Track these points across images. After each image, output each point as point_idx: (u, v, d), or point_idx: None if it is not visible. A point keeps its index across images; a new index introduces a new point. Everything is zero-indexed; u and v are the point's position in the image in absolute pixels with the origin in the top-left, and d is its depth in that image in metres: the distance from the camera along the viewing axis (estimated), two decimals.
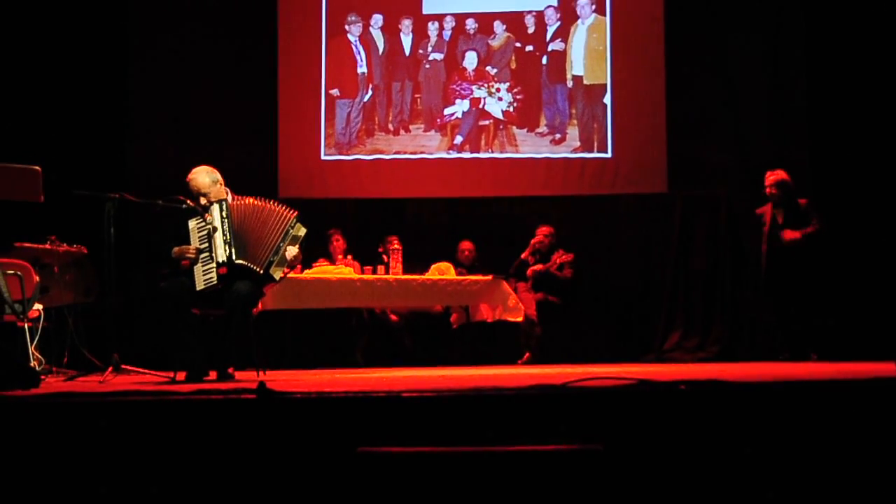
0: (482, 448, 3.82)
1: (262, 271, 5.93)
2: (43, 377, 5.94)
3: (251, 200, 6.06)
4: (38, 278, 6.93)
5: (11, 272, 6.63)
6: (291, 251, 5.98)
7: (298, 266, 8.23)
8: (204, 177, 6.06)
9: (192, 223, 5.95)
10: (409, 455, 3.81)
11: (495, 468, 3.79)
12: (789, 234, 7.97)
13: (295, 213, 6.07)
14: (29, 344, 6.71)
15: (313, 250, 8.77)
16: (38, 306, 6.99)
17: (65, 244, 7.05)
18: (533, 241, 9.02)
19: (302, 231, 6.04)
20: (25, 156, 6.27)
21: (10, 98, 8.86)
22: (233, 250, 5.87)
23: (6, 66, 8.91)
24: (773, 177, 8.12)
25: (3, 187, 6.00)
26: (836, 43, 9.16)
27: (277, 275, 6.02)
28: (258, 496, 3.87)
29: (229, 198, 6.04)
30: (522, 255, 9.05)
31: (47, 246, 6.97)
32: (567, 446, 3.82)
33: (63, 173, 6.84)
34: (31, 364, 6.27)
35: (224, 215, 5.91)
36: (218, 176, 6.10)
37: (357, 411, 4.01)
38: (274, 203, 6.10)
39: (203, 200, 6.01)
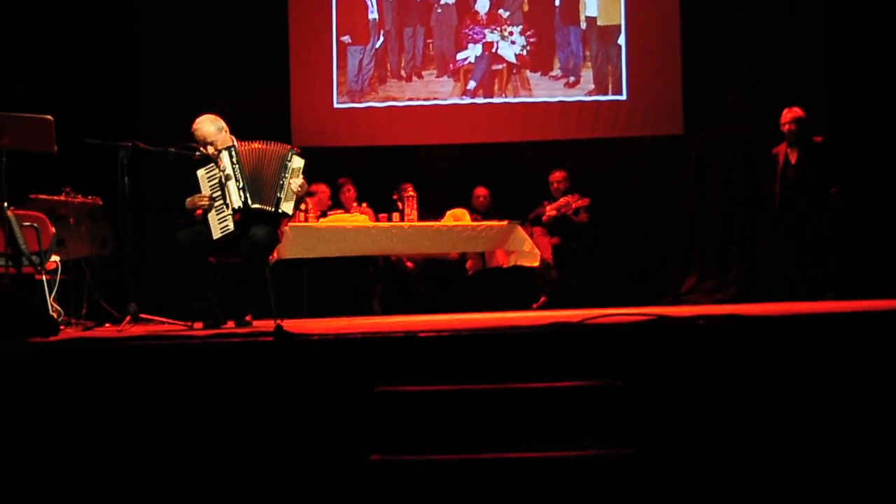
0: (499, 385, 3.83)
1: (273, 209, 5.93)
2: (62, 327, 5.97)
3: (256, 145, 6.05)
4: (53, 230, 6.93)
5: (28, 224, 6.63)
6: (295, 182, 5.99)
7: (314, 212, 8.27)
8: (209, 125, 6.04)
9: (201, 172, 5.93)
10: (426, 393, 3.83)
11: (513, 405, 3.80)
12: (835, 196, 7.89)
13: (289, 147, 6.07)
14: (47, 296, 6.71)
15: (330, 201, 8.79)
16: (55, 258, 7.00)
17: (80, 195, 7.04)
18: (560, 202, 8.90)
19: (298, 162, 6.03)
20: (38, 106, 6.25)
21: (21, 48, 8.82)
22: (248, 195, 5.86)
23: (18, 16, 8.87)
24: (790, 114, 8.03)
25: (17, 138, 5.98)
26: None
27: (289, 208, 6.02)
28: (276, 437, 3.89)
29: (235, 144, 6.02)
30: (547, 209, 8.94)
31: (62, 198, 6.96)
32: (585, 382, 3.82)
33: (76, 123, 6.79)
34: (52, 315, 6.26)
35: (234, 161, 5.89)
36: (223, 123, 6.08)
37: (374, 351, 4.01)
38: (271, 143, 6.08)
39: (210, 149, 5.99)
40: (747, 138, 9.17)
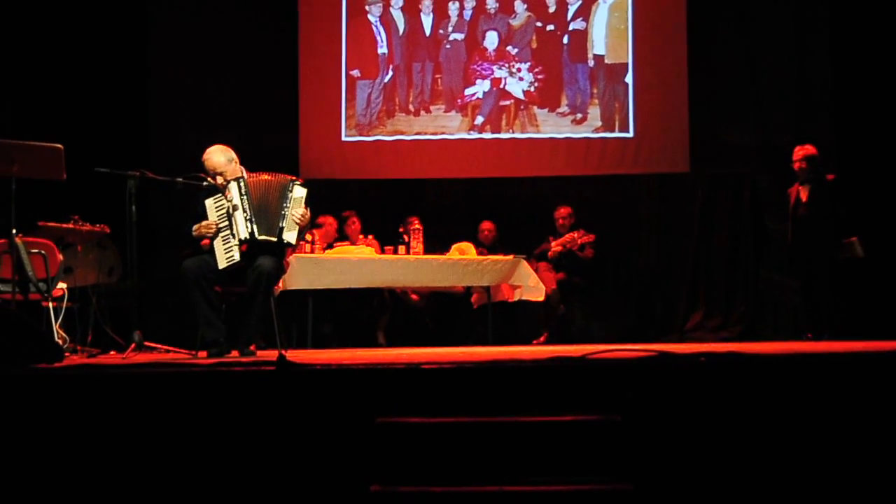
0: (500, 418, 3.83)
1: (276, 239, 5.96)
2: (67, 354, 6.00)
3: (265, 176, 6.08)
4: (61, 257, 6.98)
5: (35, 251, 6.69)
6: (297, 212, 5.99)
7: (320, 243, 8.30)
8: (219, 156, 6.08)
9: (209, 202, 5.97)
10: (427, 425, 3.83)
11: (513, 438, 3.81)
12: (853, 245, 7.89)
13: (292, 178, 6.09)
14: (53, 323, 6.76)
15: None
16: (62, 285, 7.05)
17: (88, 223, 7.08)
18: (566, 238, 8.92)
19: (300, 192, 6.03)
20: (48, 134, 6.31)
21: (32, 77, 8.91)
22: (254, 227, 5.89)
23: (29, 45, 8.97)
24: (801, 151, 8.02)
25: (27, 166, 6.04)
26: (860, 20, 9.07)
27: (291, 238, 6.02)
28: (278, 466, 3.90)
29: (245, 175, 6.05)
30: (552, 245, 8.97)
31: (70, 225, 7.00)
32: (585, 417, 3.83)
33: (85, 152, 6.86)
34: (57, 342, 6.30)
35: (243, 192, 5.92)
36: (232, 154, 6.12)
37: (376, 382, 4.03)
38: (277, 175, 6.11)
39: (219, 179, 6.03)
40: (754, 176, 9.21)
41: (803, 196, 7.98)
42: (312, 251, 8.18)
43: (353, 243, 8.77)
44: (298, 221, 6.00)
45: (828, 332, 7.64)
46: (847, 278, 8.08)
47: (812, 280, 7.92)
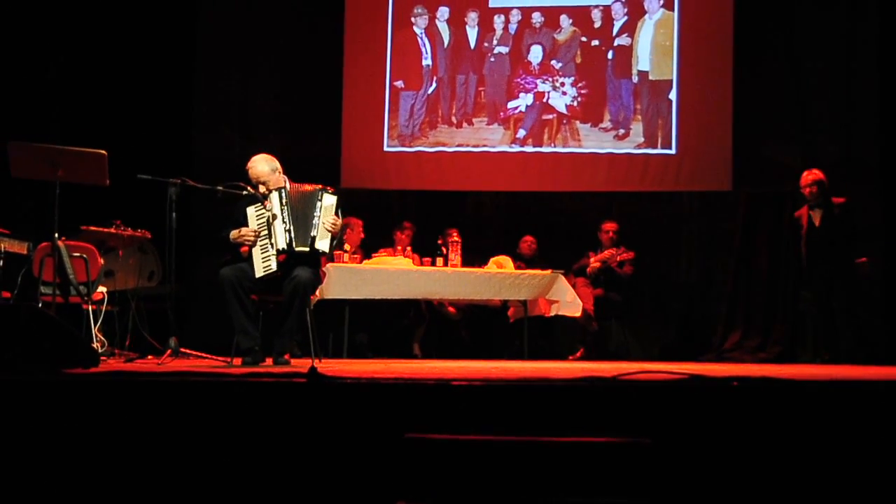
0: (529, 438, 3.82)
1: (309, 249, 5.98)
2: (104, 358, 6.07)
3: (307, 187, 6.12)
4: (102, 261, 7.08)
5: (77, 255, 6.79)
6: (328, 220, 6.01)
7: (359, 255, 8.33)
8: (263, 165, 6.13)
9: (250, 210, 6.02)
10: (455, 442, 3.83)
11: (541, 458, 3.79)
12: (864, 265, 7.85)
13: (321, 186, 6.11)
14: (93, 326, 6.84)
15: (374, 242, 8.85)
16: (102, 289, 7.14)
17: (129, 228, 7.16)
18: (605, 254, 8.92)
19: (329, 200, 6.05)
20: (93, 140, 6.40)
21: (79, 84, 9.04)
22: (293, 237, 5.93)
23: (77, 52, 9.10)
24: (811, 176, 8.00)
25: (71, 171, 6.15)
26: None
27: (324, 245, 6.04)
28: (304, 479, 3.91)
29: (287, 185, 6.09)
30: (592, 260, 8.95)
31: (112, 230, 7.08)
32: (615, 439, 3.81)
33: (129, 159, 6.95)
34: (94, 346, 6.38)
35: (284, 202, 5.96)
36: (277, 164, 6.17)
37: (406, 397, 4.02)
38: (313, 185, 6.14)
39: (262, 188, 6.08)
40: (795, 196, 9.12)
41: (816, 220, 7.97)
42: (349, 260, 8.21)
43: (395, 250, 8.79)
44: (330, 229, 6.02)
45: (851, 354, 7.60)
46: (869, 299, 8.06)
47: (831, 303, 7.88)
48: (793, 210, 8.61)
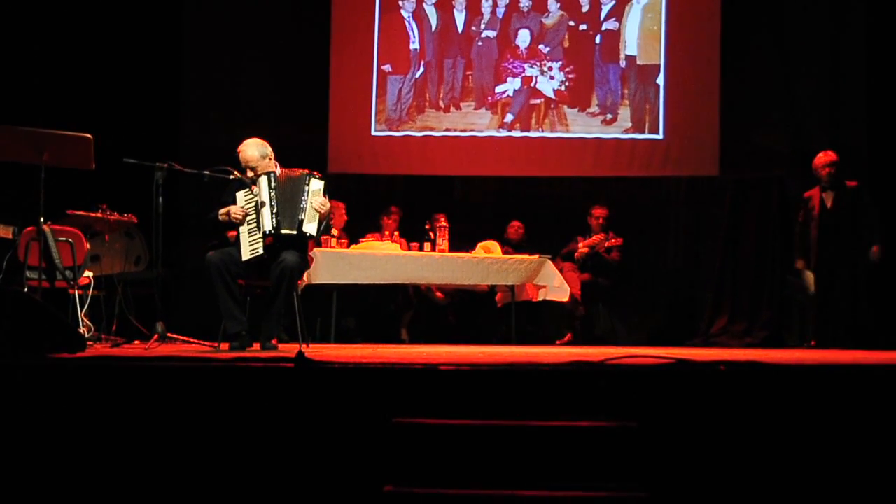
0: (516, 422, 3.83)
1: (296, 232, 5.98)
2: (90, 343, 6.05)
3: (296, 172, 6.10)
4: (88, 246, 7.04)
5: (63, 239, 6.75)
6: (316, 200, 6.01)
7: (345, 240, 8.32)
8: (253, 150, 6.12)
9: (239, 195, 6.01)
10: (443, 427, 3.83)
11: (529, 443, 3.80)
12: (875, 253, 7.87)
13: (308, 171, 6.11)
14: (79, 310, 6.81)
15: (361, 226, 8.83)
16: (88, 273, 7.11)
17: (115, 213, 7.13)
18: (593, 240, 8.91)
19: (317, 184, 6.06)
20: (78, 124, 6.36)
21: (64, 67, 8.98)
22: (279, 220, 5.91)
23: (61, 35, 9.03)
24: (826, 157, 7.98)
25: (57, 155, 6.10)
26: None
27: (312, 229, 6.04)
28: (292, 463, 3.91)
29: (277, 171, 6.07)
30: (580, 245, 8.94)
31: (98, 214, 7.05)
32: (602, 423, 3.82)
33: (115, 142, 6.90)
34: (80, 330, 6.36)
35: (272, 187, 5.95)
36: (268, 151, 6.15)
37: (394, 382, 4.03)
38: (300, 170, 6.13)
39: (250, 173, 6.06)
40: (783, 181, 9.13)
41: (828, 202, 7.95)
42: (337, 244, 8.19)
43: (382, 235, 8.77)
44: (318, 209, 6.01)
45: (847, 339, 7.61)
46: (875, 285, 8.05)
47: (836, 287, 7.89)
48: (780, 195, 8.63)
